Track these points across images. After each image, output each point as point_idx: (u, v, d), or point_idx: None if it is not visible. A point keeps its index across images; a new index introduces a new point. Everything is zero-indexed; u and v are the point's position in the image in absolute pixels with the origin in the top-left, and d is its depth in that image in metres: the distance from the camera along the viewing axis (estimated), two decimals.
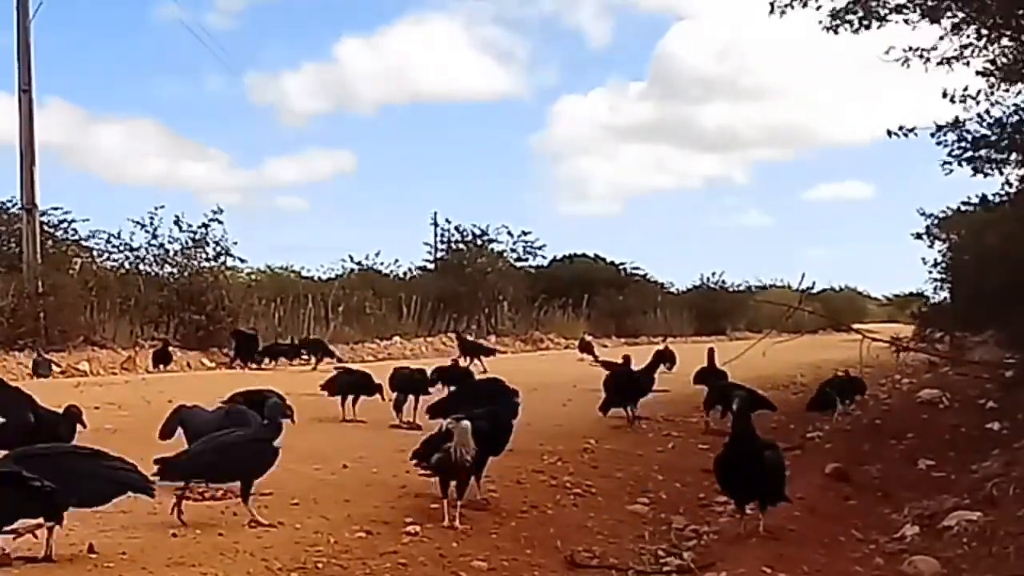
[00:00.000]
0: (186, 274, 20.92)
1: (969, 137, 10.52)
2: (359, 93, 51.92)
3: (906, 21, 10.07)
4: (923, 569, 5.13)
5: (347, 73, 51.67)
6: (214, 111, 47.44)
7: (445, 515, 5.40)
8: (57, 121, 36.43)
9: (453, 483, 5.47)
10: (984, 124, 10.51)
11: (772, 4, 10.05)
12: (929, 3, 9.78)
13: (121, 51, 45.73)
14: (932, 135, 10.53)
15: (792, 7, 10.01)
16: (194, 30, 35.03)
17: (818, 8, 10.04)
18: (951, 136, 10.52)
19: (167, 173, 43.07)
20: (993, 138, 10.54)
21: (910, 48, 10.28)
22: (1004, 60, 10.50)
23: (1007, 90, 10.54)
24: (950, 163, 10.76)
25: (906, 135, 10.33)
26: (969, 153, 10.62)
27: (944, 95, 10.22)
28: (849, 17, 10.01)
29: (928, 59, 10.32)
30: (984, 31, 10.09)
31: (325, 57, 62.91)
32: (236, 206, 51.20)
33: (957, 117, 10.36)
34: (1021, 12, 9.55)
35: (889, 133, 10.45)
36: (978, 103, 10.34)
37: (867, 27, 10.12)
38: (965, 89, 10.25)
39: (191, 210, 25.64)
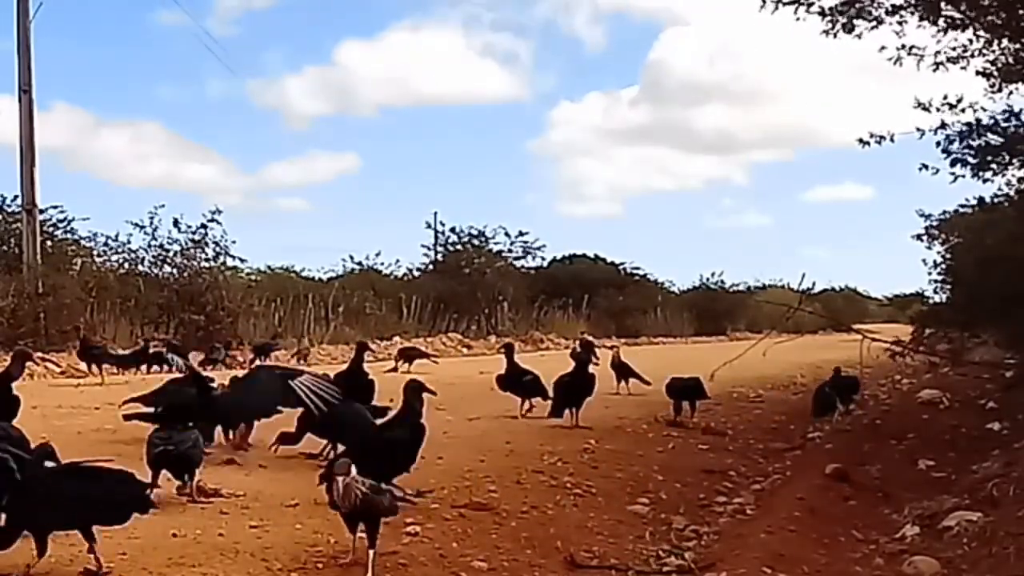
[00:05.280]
0: (186, 275, 20.94)
1: (970, 141, 10.48)
2: (360, 96, 52.19)
3: (900, 23, 10.04)
4: (923, 569, 5.13)
5: (348, 76, 51.89)
6: (218, 115, 47.75)
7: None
8: (62, 125, 36.61)
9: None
10: (984, 126, 10.47)
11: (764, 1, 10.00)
12: (926, 3, 9.75)
13: (125, 56, 46.12)
14: (923, 134, 10.44)
15: (783, 4, 9.95)
16: (198, 35, 35.20)
17: (809, 7, 9.99)
18: (950, 138, 10.47)
19: (172, 176, 43.42)
20: (993, 139, 10.51)
21: (903, 46, 10.26)
22: (1004, 60, 10.49)
23: (1010, 91, 10.53)
24: (944, 168, 10.69)
25: (892, 140, 10.24)
26: (969, 156, 10.58)
27: (945, 98, 10.19)
28: (841, 20, 9.96)
29: (922, 57, 10.29)
30: (983, 32, 10.08)
31: (326, 61, 63.27)
32: (240, 208, 51.45)
33: (943, 121, 10.29)
34: (1022, 12, 9.53)
35: (862, 142, 10.36)
36: (973, 110, 10.29)
37: (852, 30, 10.08)
38: (959, 100, 10.21)
39: (195, 212, 25.76)
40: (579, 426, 9.18)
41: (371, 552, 4.41)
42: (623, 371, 12.54)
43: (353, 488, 4.35)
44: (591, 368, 9.80)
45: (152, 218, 21.05)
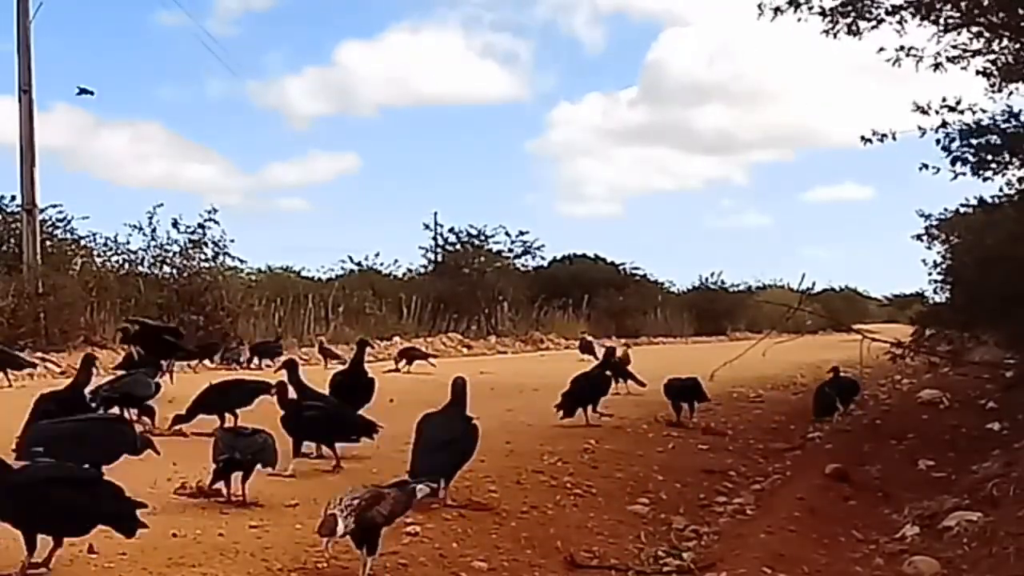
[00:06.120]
0: (185, 275, 20.92)
1: (970, 140, 10.47)
2: (360, 96, 52.21)
3: (901, 22, 10.04)
4: (923, 569, 5.13)
5: (348, 76, 51.94)
6: (218, 115, 47.73)
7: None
8: (62, 125, 36.55)
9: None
10: (984, 125, 10.46)
11: (760, 5, 10.02)
12: (925, 3, 9.75)
13: (125, 56, 45.92)
14: (924, 132, 10.42)
15: (782, 11, 9.96)
16: (198, 35, 35.20)
17: (810, 8, 9.99)
18: (950, 136, 10.46)
19: (172, 176, 43.36)
20: (994, 139, 10.50)
21: (901, 47, 10.26)
22: (1004, 60, 10.49)
23: (1010, 91, 10.52)
24: (945, 167, 10.67)
25: (894, 138, 10.26)
26: (970, 155, 10.57)
27: (943, 101, 10.19)
28: (841, 21, 9.96)
29: (921, 58, 10.29)
30: (983, 32, 10.07)
31: (326, 61, 63.32)
32: (240, 208, 51.54)
33: (944, 120, 10.29)
34: (1022, 12, 9.53)
35: (864, 140, 10.38)
36: (972, 111, 10.29)
37: (856, 33, 10.08)
38: (958, 102, 10.21)
39: (196, 213, 25.66)
40: (592, 424, 9.27)
41: (369, 559, 4.37)
42: (619, 371, 12.62)
43: (335, 521, 4.19)
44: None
45: (151, 218, 21.05)
